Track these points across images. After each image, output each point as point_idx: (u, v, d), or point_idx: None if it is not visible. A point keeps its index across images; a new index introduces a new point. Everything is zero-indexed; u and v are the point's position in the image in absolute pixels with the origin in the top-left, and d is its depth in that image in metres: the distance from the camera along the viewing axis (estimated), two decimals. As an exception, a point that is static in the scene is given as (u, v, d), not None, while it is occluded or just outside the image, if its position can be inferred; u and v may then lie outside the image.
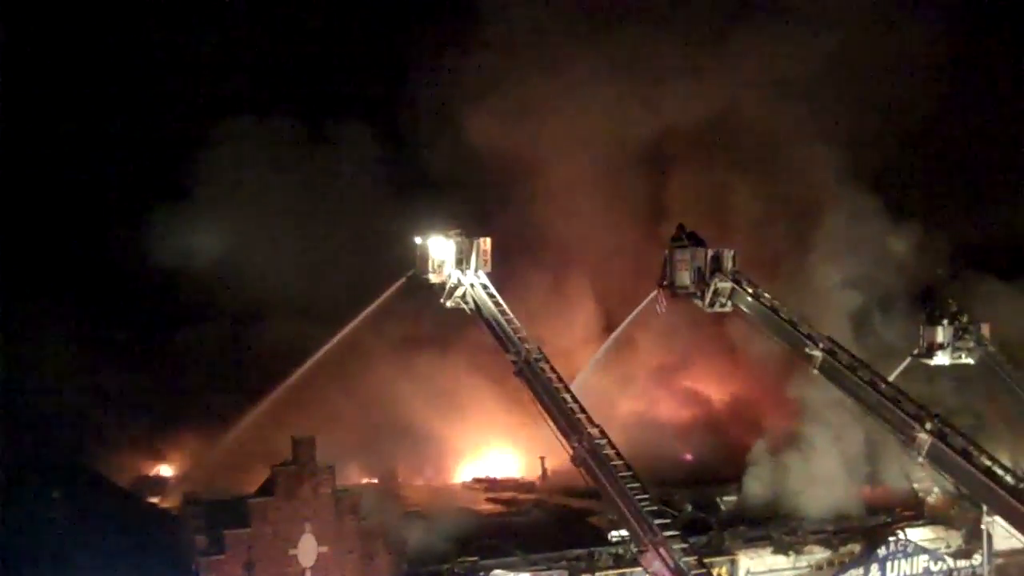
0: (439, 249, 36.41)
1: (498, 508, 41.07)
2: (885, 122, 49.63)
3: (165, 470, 44.20)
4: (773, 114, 48.14)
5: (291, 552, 30.86)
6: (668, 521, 28.80)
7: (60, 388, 43.34)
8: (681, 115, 49.34)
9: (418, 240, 36.89)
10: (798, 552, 38.10)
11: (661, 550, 27.94)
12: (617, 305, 46.64)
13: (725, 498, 40.89)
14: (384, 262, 40.31)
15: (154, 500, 39.31)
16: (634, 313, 40.12)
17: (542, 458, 43.80)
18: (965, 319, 41.12)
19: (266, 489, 31.50)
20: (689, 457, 47.16)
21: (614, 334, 42.56)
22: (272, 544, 30.69)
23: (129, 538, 32.35)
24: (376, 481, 42.82)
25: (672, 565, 27.60)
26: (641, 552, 28.72)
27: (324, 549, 31.21)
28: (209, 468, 41.04)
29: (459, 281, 36.13)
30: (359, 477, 42.22)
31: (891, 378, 36.01)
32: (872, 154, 48.95)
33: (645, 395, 50.96)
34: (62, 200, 47.39)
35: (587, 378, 40.58)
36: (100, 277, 47.20)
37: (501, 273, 36.62)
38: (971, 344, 40.64)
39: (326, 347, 40.21)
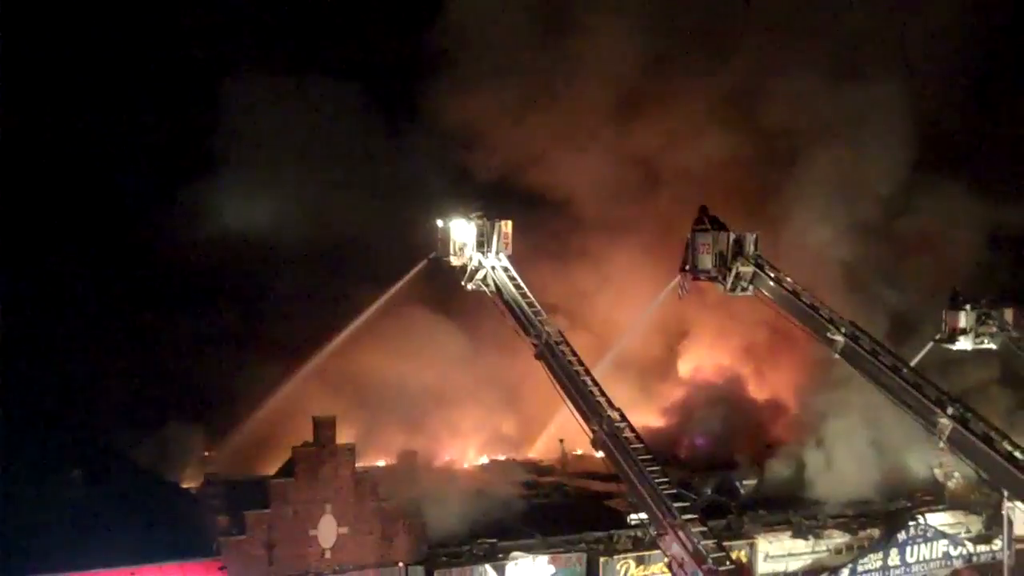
0: (460, 232, 36.46)
1: (518, 490, 41.07)
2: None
3: (187, 450, 44.31)
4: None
5: (311, 532, 31.02)
6: (687, 504, 28.80)
7: (81, 366, 43.45)
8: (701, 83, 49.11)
9: (439, 223, 36.94)
10: (817, 536, 38.09)
11: (680, 533, 27.94)
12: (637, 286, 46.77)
13: (744, 482, 40.79)
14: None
15: (175, 480, 39.44)
16: (658, 298, 40.13)
17: (561, 441, 43.84)
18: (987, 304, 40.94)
19: (287, 470, 31.62)
20: (700, 441, 46.99)
21: (638, 318, 42.47)
22: (292, 525, 30.85)
23: (149, 518, 32.49)
24: (396, 463, 42.91)
25: (691, 548, 27.59)
26: (660, 535, 28.73)
27: (344, 530, 31.35)
28: (231, 448, 41.27)
29: (480, 264, 36.16)
30: (379, 459, 42.39)
31: (913, 363, 35.84)
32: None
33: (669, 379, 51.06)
34: (72, 170, 46.95)
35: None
36: (119, 253, 47.03)
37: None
38: (994, 329, 40.37)
39: (348, 329, 40.47)
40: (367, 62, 50.70)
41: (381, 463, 42.33)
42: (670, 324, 49.03)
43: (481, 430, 45.99)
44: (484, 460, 45.65)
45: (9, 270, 42.11)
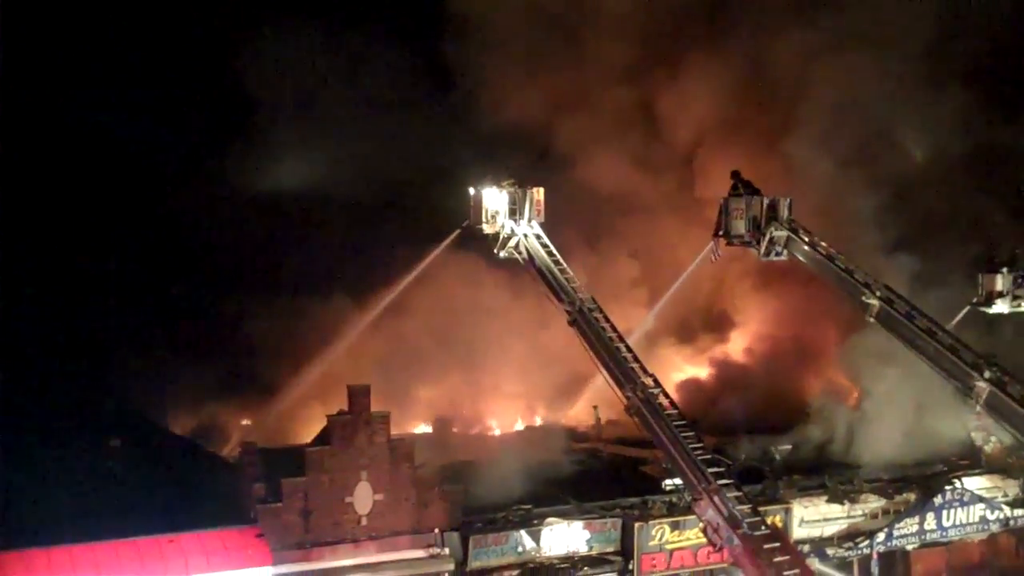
0: (492, 200, 36.47)
1: (553, 457, 41.16)
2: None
3: (225, 420, 44.70)
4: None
5: (347, 500, 31.25)
6: (722, 470, 28.79)
7: (120, 337, 43.81)
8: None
9: (471, 191, 36.95)
10: (853, 501, 37.98)
11: (715, 498, 27.97)
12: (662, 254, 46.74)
13: (779, 447, 40.70)
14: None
15: (213, 449, 39.80)
16: (693, 264, 40.00)
17: (595, 407, 43.90)
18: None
19: (322, 438, 31.86)
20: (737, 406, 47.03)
21: (675, 284, 42.43)
22: (328, 492, 31.10)
23: (188, 486, 32.85)
24: (431, 430, 43.17)
25: (726, 513, 27.63)
26: (695, 500, 28.78)
27: (379, 497, 31.57)
28: (268, 417, 41.61)
29: (512, 231, 36.19)
30: (414, 426, 42.64)
31: (949, 327, 35.59)
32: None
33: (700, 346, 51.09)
34: (102, 134, 46.64)
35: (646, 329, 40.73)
36: (153, 222, 47.13)
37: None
38: (1032, 292, 40.04)
39: (384, 300, 40.66)
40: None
41: (419, 430, 42.66)
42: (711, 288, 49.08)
43: (516, 396, 46.15)
44: (519, 426, 45.76)
45: (47, 244, 42.63)
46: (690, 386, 48.57)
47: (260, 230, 47.52)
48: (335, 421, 31.55)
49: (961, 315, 38.77)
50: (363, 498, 31.43)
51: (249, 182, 46.42)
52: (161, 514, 30.33)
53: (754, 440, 41.19)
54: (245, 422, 43.64)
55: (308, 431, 36.51)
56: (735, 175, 36.64)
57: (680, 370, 49.94)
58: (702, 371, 50.16)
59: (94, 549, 28.74)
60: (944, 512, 38.52)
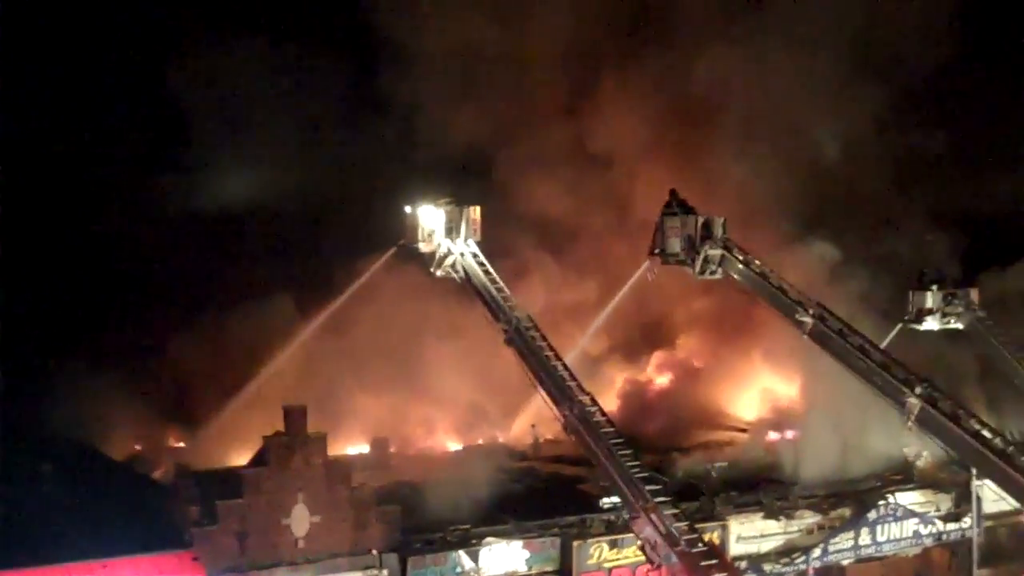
0: (429, 218, 36.43)
1: (490, 476, 41.07)
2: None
3: (158, 443, 44.15)
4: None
5: (284, 522, 30.95)
6: (659, 487, 28.90)
7: (50, 360, 43.17)
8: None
9: (408, 209, 36.89)
10: (789, 517, 38.23)
11: (652, 516, 28.06)
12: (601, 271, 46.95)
13: (716, 464, 40.94)
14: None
15: (145, 473, 39.29)
16: (629, 283, 40.19)
17: (533, 426, 43.93)
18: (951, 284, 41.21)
19: (259, 459, 31.56)
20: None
21: (611, 304, 42.58)
22: (265, 514, 30.78)
23: (122, 510, 32.34)
24: (368, 450, 42.92)
25: (664, 531, 27.73)
26: (633, 518, 28.88)
27: (317, 519, 31.29)
28: (201, 439, 41.13)
29: (449, 250, 36.15)
30: (351, 445, 42.37)
31: (883, 345, 36.07)
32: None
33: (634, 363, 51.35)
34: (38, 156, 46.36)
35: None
36: (87, 244, 46.59)
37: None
38: (960, 309, 40.66)
39: (319, 318, 40.45)
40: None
41: (356, 451, 42.39)
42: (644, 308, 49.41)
43: (453, 417, 46.03)
44: (456, 447, 45.65)
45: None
46: (630, 401, 48.79)
47: (193, 248, 47.14)
48: (271, 442, 31.25)
49: (894, 333, 39.38)
50: (300, 520, 31.14)
51: (183, 200, 46.12)
52: (94, 539, 29.80)
53: (690, 457, 41.45)
54: (179, 444, 43.12)
55: (243, 453, 36.14)
56: (672, 193, 36.95)
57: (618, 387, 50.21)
58: (640, 388, 50.41)
59: (25, 575, 28.21)
60: (878, 527, 38.94)
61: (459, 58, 48.64)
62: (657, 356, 52.24)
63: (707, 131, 48.40)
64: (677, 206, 36.81)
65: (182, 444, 42.81)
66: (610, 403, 43.95)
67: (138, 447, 43.79)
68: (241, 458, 35.09)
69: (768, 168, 46.82)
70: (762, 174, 46.76)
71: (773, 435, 43.91)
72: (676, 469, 39.96)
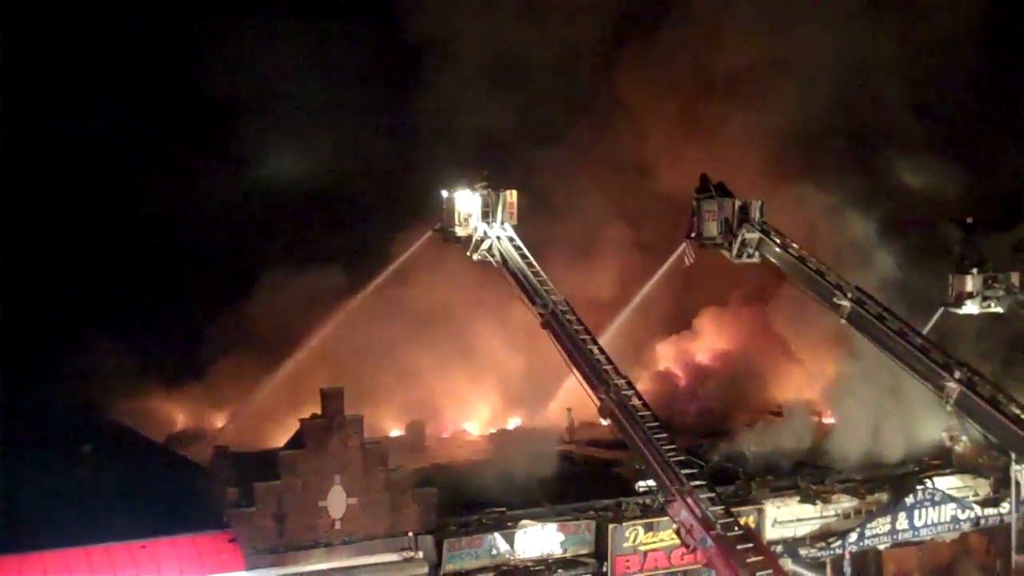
0: (465, 202, 36.49)
1: (526, 459, 41.15)
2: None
3: (197, 424, 44.52)
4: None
5: (321, 504, 31.10)
6: (695, 471, 28.89)
7: (92, 342, 43.56)
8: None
9: (444, 194, 36.96)
10: (825, 501, 38.10)
11: (688, 499, 28.07)
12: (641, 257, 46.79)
13: (752, 448, 40.86)
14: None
15: (186, 454, 39.62)
16: (664, 266, 40.05)
17: (569, 409, 43.95)
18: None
19: (296, 442, 31.72)
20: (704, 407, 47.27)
21: (645, 287, 42.47)
22: (302, 496, 30.93)
23: (160, 491, 32.66)
24: (403, 433, 43.12)
25: (699, 514, 27.73)
26: (668, 502, 28.87)
27: (353, 501, 31.43)
28: (242, 421, 41.43)
29: (485, 234, 36.19)
30: (387, 429, 42.54)
31: (925, 330, 35.84)
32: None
33: (673, 347, 51.22)
34: (76, 137, 46.66)
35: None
36: (120, 228, 46.96)
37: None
38: (1000, 293, 40.30)
39: (354, 300, 40.61)
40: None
41: (392, 434, 42.60)
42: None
43: (489, 400, 46.15)
44: (492, 430, 45.75)
45: (19, 248, 42.27)
46: (666, 383, 48.73)
47: (233, 230, 47.43)
48: (308, 425, 31.41)
49: (936, 317, 39.06)
50: (337, 502, 31.30)
51: (222, 182, 46.45)
52: (133, 519, 30.11)
53: (727, 441, 41.38)
54: (217, 425, 43.46)
55: (281, 435, 36.39)
56: (703, 177, 36.81)
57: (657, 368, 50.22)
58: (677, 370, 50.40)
59: (66, 555, 28.52)
60: (916, 512, 38.68)
61: (494, 49, 48.53)
62: (693, 339, 52.05)
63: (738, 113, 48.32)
64: (714, 189, 36.68)
65: (221, 425, 43.13)
66: (645, 385, 43.91)
67: (177, 428, 44.20)
68: (279, 440, 35.29)
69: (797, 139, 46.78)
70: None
71: (811, 418, 43.63)
72: (712, 452, 39.91)
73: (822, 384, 45.01)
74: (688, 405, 47.32)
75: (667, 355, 51.24)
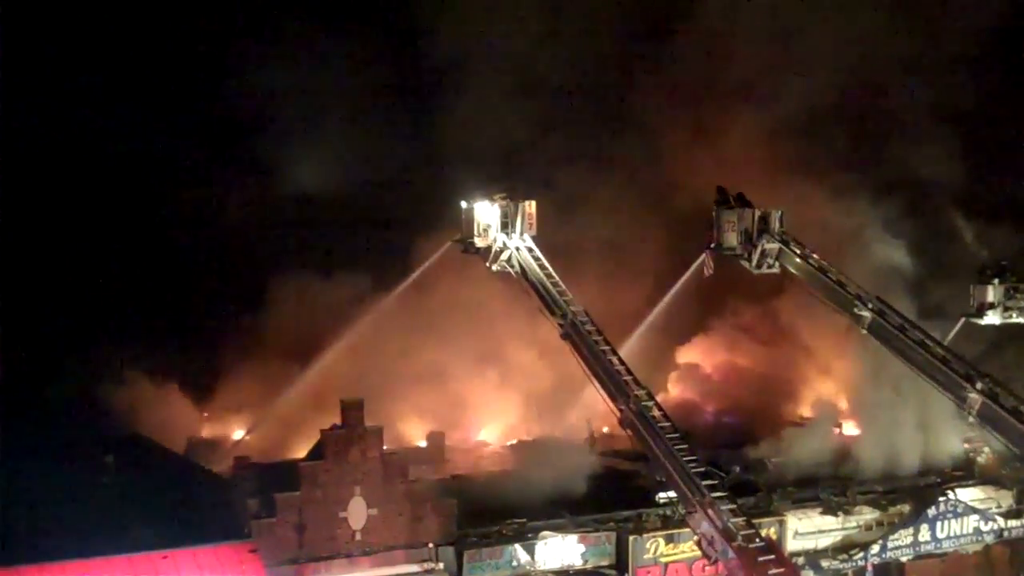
0: (484, 213, 36.54)
1: (546, 470, 41.12)
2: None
3: (219, 433, 44.62)
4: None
5: (341, 514, 31.19)
6: (716, 482, 28.87)
7: (114, 353, 43.73)
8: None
9: (463, 204, 37.01)
10: (847, 513, 37.96)
11: (709, 511, 28.04)
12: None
13: (773, 459, 40.74)
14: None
15: (207, 465, 39.73)
16: (684, 277, 40.00)
17: (588, 420, 43.88)
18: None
19: (316, 452, 31.81)
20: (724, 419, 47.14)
21: (665, 298, 42.42)
22: (322, 507, 31.03)
23: (182, 502, 32.76)
24: (424, 444, 43.12)
25: (720, 526, 27.69)
26: (689, 513, 28.85)
27: (374, 511, 31.50)
28: (262, 431, 41.52)
29: (504, 245, 36.22)
30: (408, 440, 42.57)
31: (946, 341, 35.70)
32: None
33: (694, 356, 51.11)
34: (98, 148, 46.64)
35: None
36: (148, 237, 47.22)
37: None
38: (1022, 303, 40.14)
39: (374, 310, 40.72)
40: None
41: (412, 445, 42.60)
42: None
43: (511, 410, 46.12)
44: (513, 441, 45.73)
45: (39, 256, 42.59)
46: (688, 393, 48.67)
47: (257, 239, 47.65)
48: (328, 436, 31.50)
49: (957, 327, 38.94)
50: (357, 513, 31.37)
51: (244, 193, 46.68)
52: (155, 530, 30.20)
53: (748, 451, 41.25)
54: (238, 436, 43.56)
55: (302, 444, 36.47)
56: (720, 189, 36.82)
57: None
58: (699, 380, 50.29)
59: (88, 565, 28.61)
60: (938, 524, 38.53)
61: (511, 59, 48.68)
62: (715, 349, 51.92)
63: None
64: (734, 199, 36.67)
65: (242, 434, 43.23)
66: (665, 396, 43.84)
67: (198, 439, 44.29)
68: (300, 449, 35.36)
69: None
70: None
71: (832, 430, 43.50)
72: (733, 464, 39.78)
73: (844, 395, 44.87)
74: (709, 415, 47.19)
75: (688, 365, 51.03)
